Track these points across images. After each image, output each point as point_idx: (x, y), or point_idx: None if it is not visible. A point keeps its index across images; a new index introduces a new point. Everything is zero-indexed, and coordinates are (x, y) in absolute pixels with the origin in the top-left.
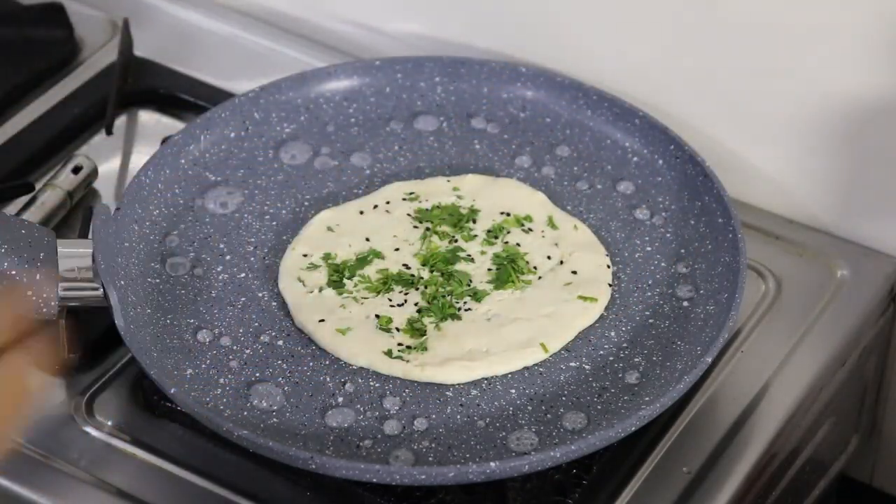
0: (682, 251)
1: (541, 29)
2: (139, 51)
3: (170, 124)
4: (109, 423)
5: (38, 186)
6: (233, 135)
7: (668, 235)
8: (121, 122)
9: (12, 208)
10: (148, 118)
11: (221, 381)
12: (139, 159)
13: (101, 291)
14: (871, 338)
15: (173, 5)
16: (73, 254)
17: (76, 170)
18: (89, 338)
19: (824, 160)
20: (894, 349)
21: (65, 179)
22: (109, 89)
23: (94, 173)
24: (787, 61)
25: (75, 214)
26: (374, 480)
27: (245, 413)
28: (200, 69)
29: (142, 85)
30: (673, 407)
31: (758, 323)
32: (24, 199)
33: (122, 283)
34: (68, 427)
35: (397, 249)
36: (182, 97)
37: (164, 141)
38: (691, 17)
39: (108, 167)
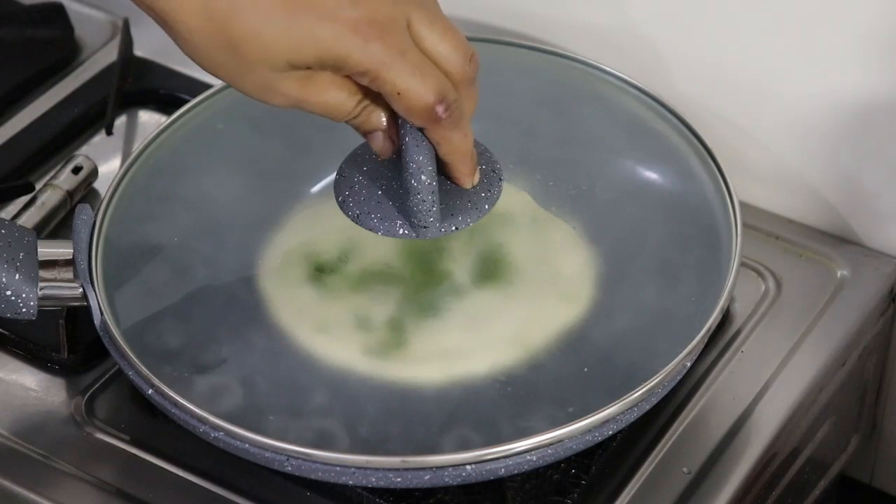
0: (668, 252)
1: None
2: (139, 51)
3: None
4: (109, 423)
5: (38, 186)
6: (221, 125)
7: (654, 236)
8: (121, 122)
9: (12, 208)
10: (148, 118)
11: (199, 380)
12: None
13: (80, 291)
14: (871, 338)
15: None
16: (54, 254)
17: (76, 170)
18: (89, 338)
19: (824, 160)
20: (894, 349)
21: (65, 179)
22: (109, 89)
23: (94, 173)
24: (786, 61)
25: None
26: (350, 482)
27: (222, 412)
28: (200, 69)
29: (142, 85)
30: (672, 407)
31: (758, 323)
32: (25, 199)
33: (102, 281)
34: (68, 427)
35: (378, 247)
36: (182, 97)
37: None
38: (691, 18)
39: (109, 167)
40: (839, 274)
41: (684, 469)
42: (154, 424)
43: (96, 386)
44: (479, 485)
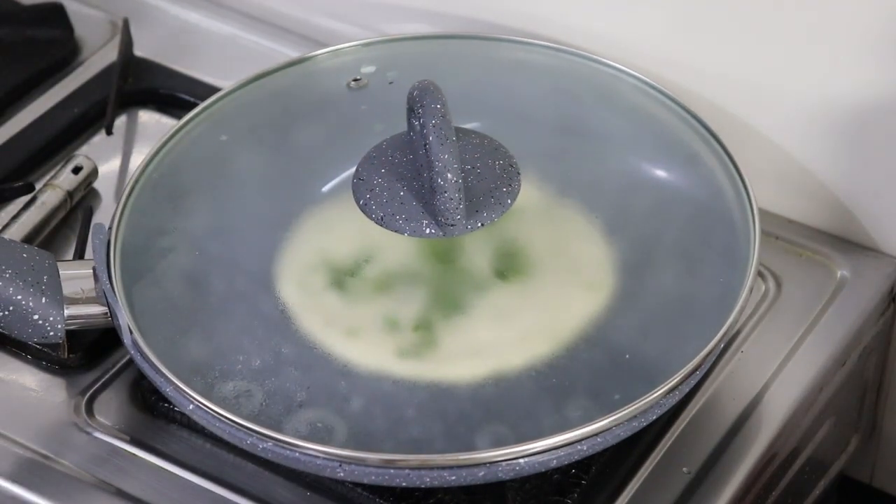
0: (689, 244)
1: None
2: (139, 51)
3: (170, 124)
4: (109, 423)
5: (38, 186)
6: (224, 137)
7: (675, 228)
8: (121, 121)
9: (12, 208)
10: (148, 118)
11: (233, 392)
12: (139, 159)
13: (105, 311)
14: (871, 338)
15: (173, 5)
16: (76, 275)
17: (76, 170)
18: (89, 338)
19: (825, 160)
20: (894, 349)
21: (65, 179)
22: (109, 89)
23: (94, 173)
24: (787, 61)
25: (75, 215)
26: (404, 484)
27: (263, 423)
28: (200, 69)
29: (142, 85)
30: (673, 407)
31: (758, 323)
32: (25, 198)
33: (124, 298)
34: (68, 427)
35: (395, 247)
36: (182, 97)
37: None
38: (691, 18)
39: (109, 167)
40: (839, 274)
41: (684, 469)
42: (154, 424)
43: (96, 386)
44: (479, 485)
